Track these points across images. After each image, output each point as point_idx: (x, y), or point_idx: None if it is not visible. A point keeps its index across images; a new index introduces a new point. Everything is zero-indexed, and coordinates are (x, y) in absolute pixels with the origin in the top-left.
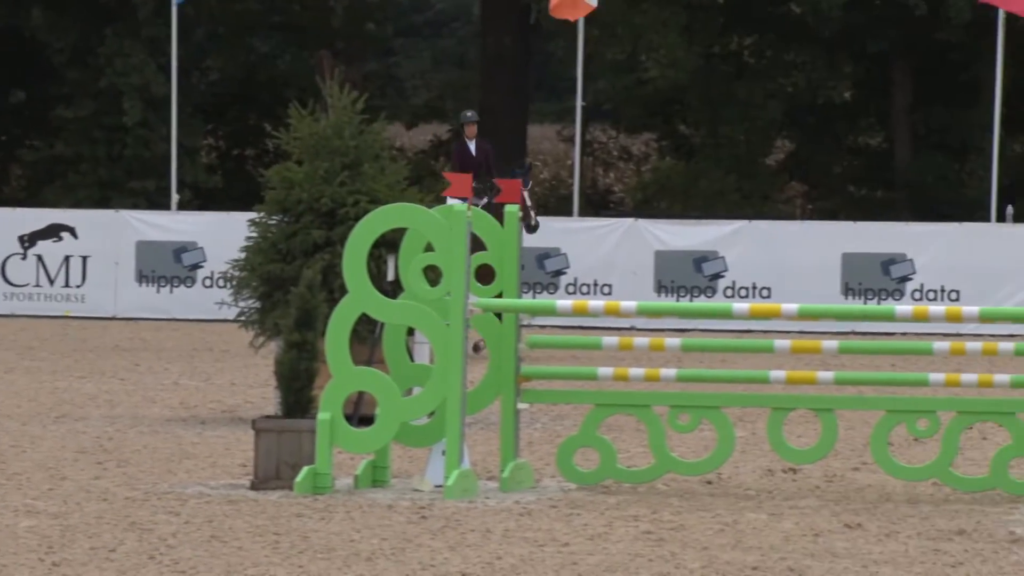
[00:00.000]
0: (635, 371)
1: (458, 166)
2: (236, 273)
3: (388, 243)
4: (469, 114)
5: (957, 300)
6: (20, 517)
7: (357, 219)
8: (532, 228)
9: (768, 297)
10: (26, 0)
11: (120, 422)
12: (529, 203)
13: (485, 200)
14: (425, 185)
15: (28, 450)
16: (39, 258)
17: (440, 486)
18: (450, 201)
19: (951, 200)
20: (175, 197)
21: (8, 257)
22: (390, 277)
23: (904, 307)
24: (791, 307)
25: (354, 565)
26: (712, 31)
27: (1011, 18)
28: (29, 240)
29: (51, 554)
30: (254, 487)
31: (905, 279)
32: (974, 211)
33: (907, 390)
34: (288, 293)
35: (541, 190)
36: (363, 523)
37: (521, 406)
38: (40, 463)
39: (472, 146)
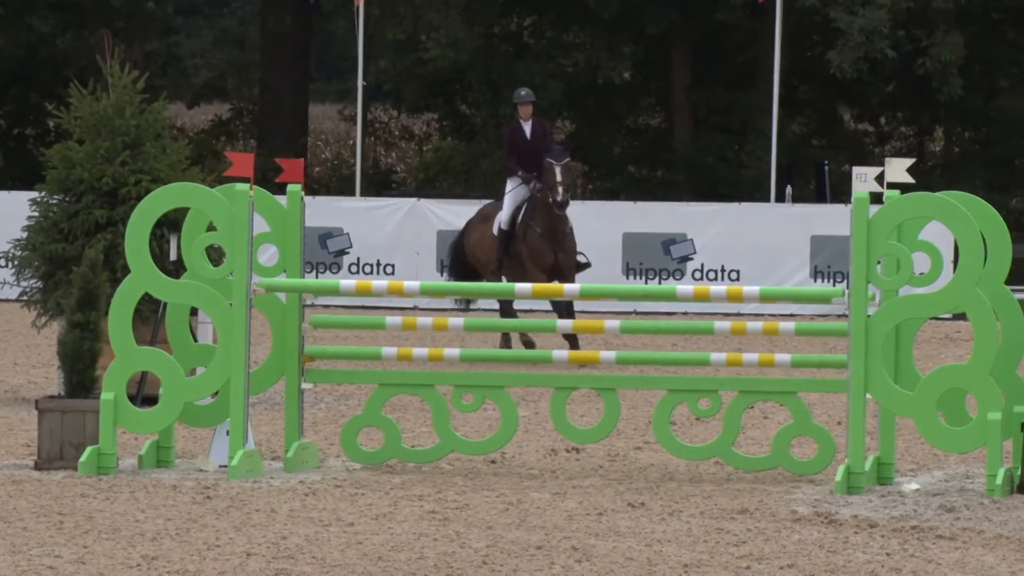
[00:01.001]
0: (419, 351)
1: (510, 150)
2: (18, 253)
3: (170, 223)
4: (523, 93)
5: (737, 280)
6: None
7: (139, 199)
8: (559, 205)
9: None
10: None
11: None
12: (559, 179)
13: (533, 185)
14: (207, 165)
15: None
16: None
17: (225, 466)
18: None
19: (731, 180)
20: None
21: None
22: (172, 257)
23: (685, 287)
24: (573, 287)
25: (139, 545)
26: (492, 11)
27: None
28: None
29: None
30: (38, 467)
31: (686, 259)
32: (753, 191)
33: (689, 369)
34: (70, 273)
35: (323, 170)
36: (148, 503)
37: (305, 386)
38: None
39: (527, 128)
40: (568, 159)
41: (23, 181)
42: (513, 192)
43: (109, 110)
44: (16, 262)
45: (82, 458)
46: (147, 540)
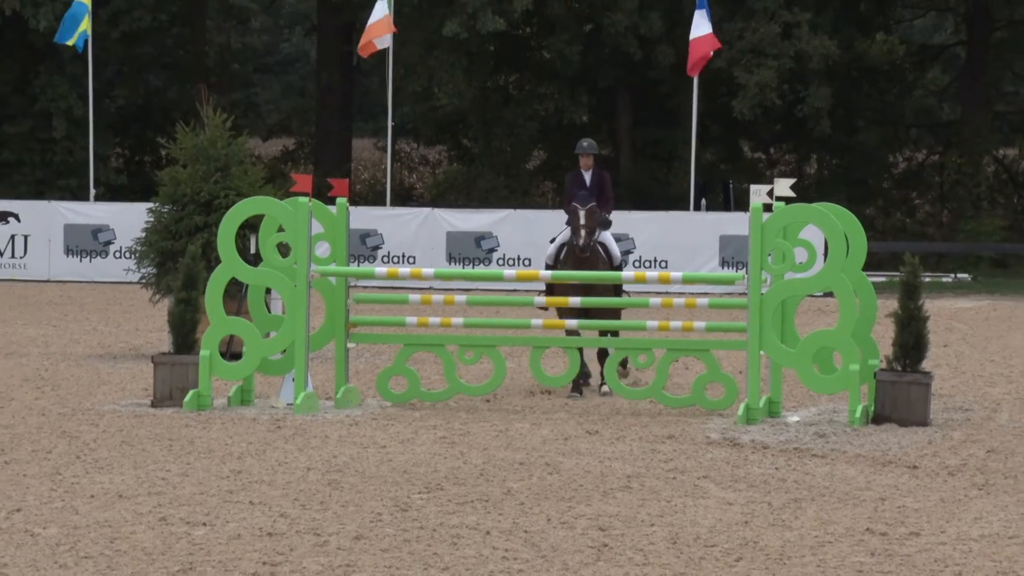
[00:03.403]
0: (433, 319)
1: (569, 195)
2: (138, 248)
3: (251, 226)
4: (585, 144)
5: (666, 267)
6: None
7: (227, 208)
8: (580, 248)
9: (529, 265)
10: None
11: (53, 358)
12: (583, 222)
13: (597, 233)
14: (277, 183)
15: None
16: None
17: (291, 404)
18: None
19: (661, 195)
20: (92, 191)
21: None
22: (252, 251)
23: (628, 273)
24: (547, 273)
25: (228, 462)
26: (486, 70)
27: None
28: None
29: (2, 455)
30: (153, 405)
31: (628, 252)
32: (677, 203)
33: (631, 333)
34: (177, 263)
35: (363, 187)
36: (234, 431)
37: (350, 345)
38: None
39: (587, 176)
40: (593, 203)
41: (142, 195)
42: (563, 232)
43: (205, 143)
44: (137, 255)
45: (186, 399)
46: (234, 458)
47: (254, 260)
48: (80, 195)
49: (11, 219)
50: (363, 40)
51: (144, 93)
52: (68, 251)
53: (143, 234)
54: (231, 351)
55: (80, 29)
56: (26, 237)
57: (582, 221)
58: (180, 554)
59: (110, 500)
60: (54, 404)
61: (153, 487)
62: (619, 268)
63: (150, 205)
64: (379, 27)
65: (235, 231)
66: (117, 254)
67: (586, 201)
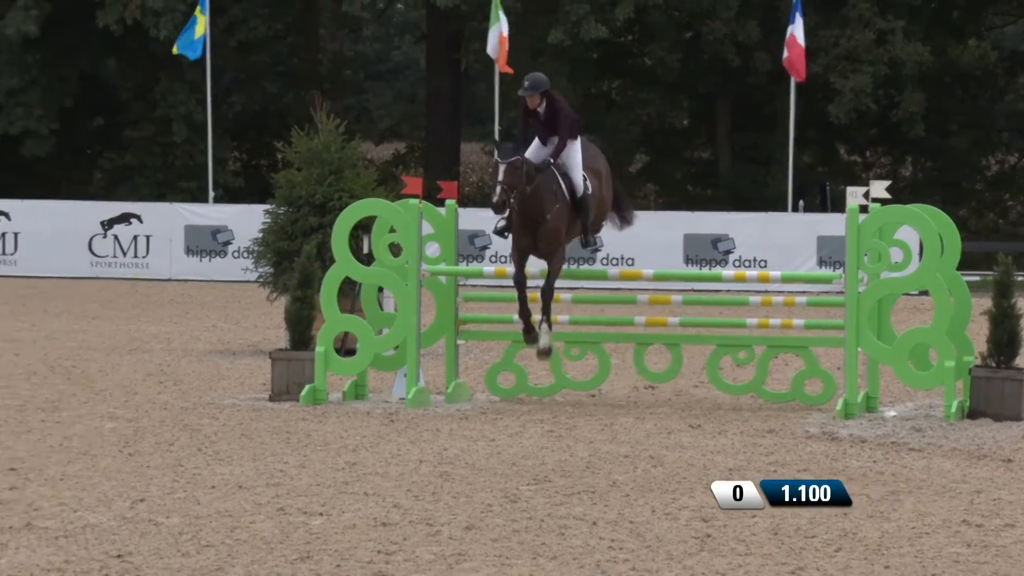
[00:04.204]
0: (539, 317)
1: (520, 135)
2: (256, 248)
3: (363, 226)
4: (526, 84)
5: (765, 266)
6: (104, 421)
7: (341, 210)
8: (494, 206)
9: (632, 264)
10: (103, 54)
11: (175, 354)
12: (500, 178)
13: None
14: (388, 186)
15: (110, 373)
16: (115, 237)
17: (403, 399)
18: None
19: (759, 197)
20: (211, 194)
21: (93, 236)
22: (365, 251)
23: (728, 271)
24: (649, 271)
25: (343, 454)
26: (589, 77)
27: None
28: (108, 224)
29: (127, 447)
30: (271, 399)
31: (728, 252)
32: (776, 204)
33: (731, 330)
34: (293, 262)
35: (471, 189)
36: (349, 425)
37: (459, 342)
38: (119, 382)
39: (542, 113)
40: (516, 157)
41: (259, 197)
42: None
43: (320, 147)
44: (255, 255)
45: (303, 393)
46: (348, 451)
47: (367, 260)
48: (200, 197)
49: (133, 220)
50: (501, 53)
51: (260, 99)
52: (188, 251)
53: (260, 235)
54: (345, 347)
55: (198, 35)
56: (148, 238)
57: (499, 177)
58: (298, 543)
59: (230, 491)
60: (176, 398)
61: (271, 478)
62: (584, 193)
63: (267, 207)
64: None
65: (348, 232)
66: (235, 254)
67: (509, 153)
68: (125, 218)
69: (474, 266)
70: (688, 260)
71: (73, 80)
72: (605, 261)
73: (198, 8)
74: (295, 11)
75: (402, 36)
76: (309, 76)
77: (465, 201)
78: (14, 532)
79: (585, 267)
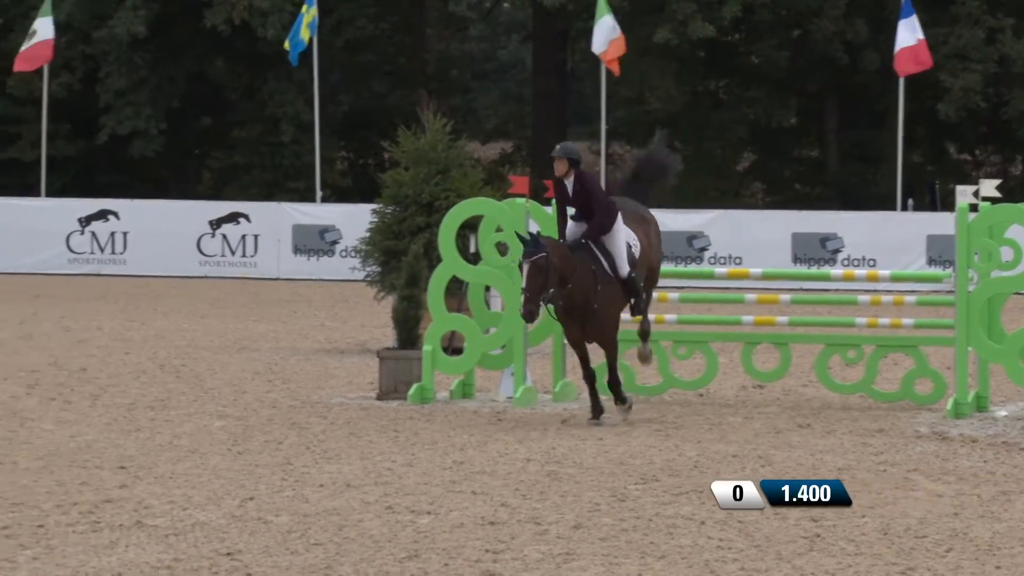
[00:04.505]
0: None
1: (560, 212)
2: (363, 247)
3: (470, 226)
4: (557, 148)
5: (874, 266)
6: (214, 419)
7: (448, 209)
8: (523, 317)
9: (740, 263)
10: (211, 53)
11: (283, 352)
12: (524, 284)
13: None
14: (495, 185)
15: (218, 372)
16: (224, 236)
17: (510, 397)
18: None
19: (867, 195)
20: (319, 193)
21: (202, 236)
22: (472, 250)
23: (837, 271)
24: (757, 270)
25: (451, 453)
26: (696, 75)
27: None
28: (216, 224)
29: (236, 445)
30: (379, 398)
31: (837, 251)
32: (884, 203)
33: (840, 330)
34: (400, 261)
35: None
36: (456, 424)
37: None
38: (227, 381)
39: (569, 185)
40: (541, 255)
41: (366, 197)
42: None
43: (426, 146)
44: (362, 254)
45: (410, 392)
46: (456, 449)
47: (474, 259)
48: (307, 196)
49: (242, 220)
50: (612, 51)
51: (368, 98)
52: (296, 250)
53: (367, 234)
54: (453, 346)
55: (304, 34)
56: (256, 237)
57: (523, 283)
58: (406, 542)
59: (338, 489)
60: (284, 397)
61: (379, 477)
62: (628, 275)
63: (374, 206)
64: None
65: (455, 231)
66: (343, 253)
67: (533, 252)
68: (233, 217)
69: None
70: (796, 259)
71: (181, 80)
72: (712, 260)
73: (304, 6)
74: (402, 10)
75: (508, 35)
76: (416, 75)
77: None
78: (124, 530)
79: (693, 266)
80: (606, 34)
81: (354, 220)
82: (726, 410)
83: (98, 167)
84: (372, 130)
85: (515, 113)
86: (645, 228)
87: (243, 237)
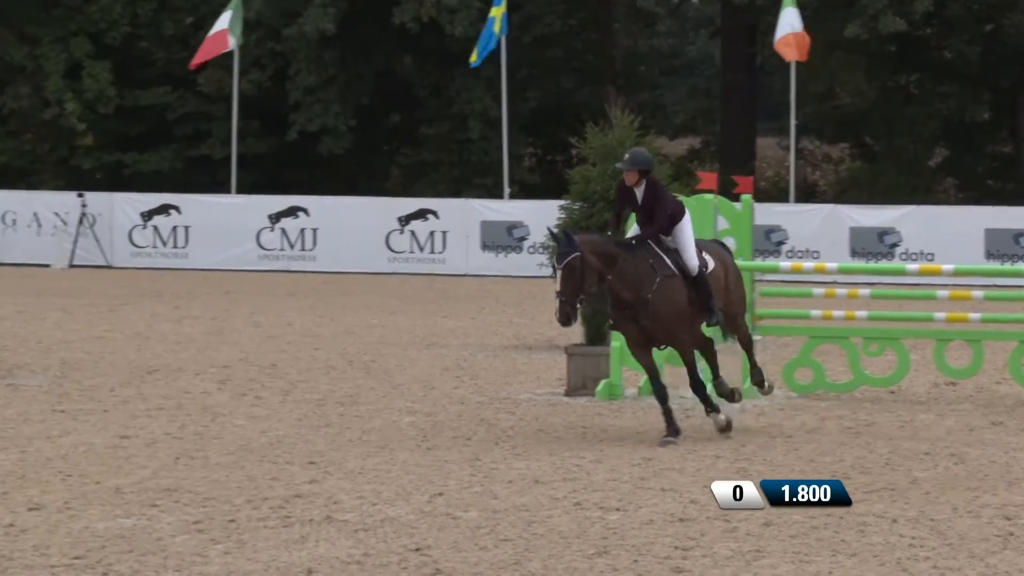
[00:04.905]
0: (837, 313)
1: (616, 215)
2: (551, 243)
3: None
4: (627, 157)
5: None
6: (403, 415)
7: None
8: (559, 321)
9: (932, 260)
10: (399, 51)
11: (471, 348)
12: (558, 287)
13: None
14: (683, 181)
15: (407, 368)
16: (412, 233)
17: None
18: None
19: None
20: (507, 190)
21: (390, 232)
22: None
23: None
24: (949, 267)
25: (639, 449)
26: (887, 70)
27: None
28: (405, 220)
29: (425, 441)
30: (567, 394)
31: None
32: None
33: None
34: None
35: (766, 184)
36: (645, 420)
37: (756, 337)
38: (416, 377)
39: (639, 193)
40: (574, 255)
41: (553, 193)
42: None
43: (614, 142)
44: (550, 250)
45: (598, 388)
46: (644, 446)
47: None
48: (495, 193)
49: (430, 216)
50: (794, 47)
51: (555, 95)
52: (484, 246)
53: (555, 230)
54: None
55: (496, 28)
56: (444, 233)
57: (557, 286)
58: (594, 538)
59: (527, 485)
60: (473, 393)
61: (568, 473)
62: (699, 270)
63: (562, 202)
64: (789, 40)
65: None
66: (531, 249)
67: (567, 252)
68: (422, 214)
69: (770, 261)
70: (989, 255)
71: (370, 77)
72: (904, 256)
73: (493, 7)
74: (590, 6)
75: (696, 31)
76: (603, 71)
77: (760, 196)
78: (314, 525)
79: (884, 263)
80: (786, 26)
81: (542, 216)
82: (918, 407)
83: (288, 164)
84: (560, 126)
85: (703, 109)
86: (723, 265)
87: (431, 233)
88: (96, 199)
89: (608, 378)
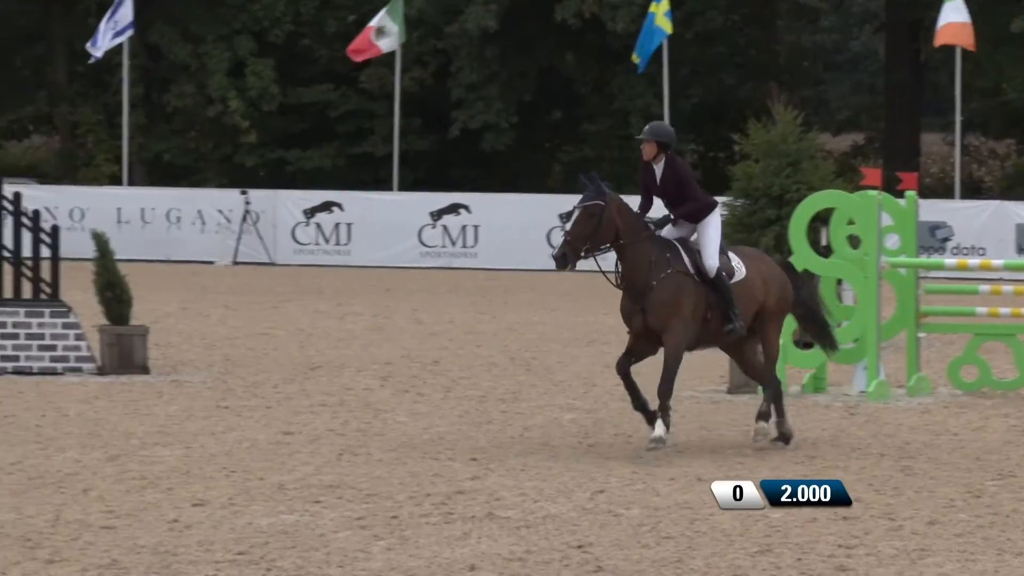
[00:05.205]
0: (1004, 310)
1: (644, 198)
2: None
3: (821, 219)
4: (646, 129)
5: None
6: (564, 412)
7: (798, 202)
8: (555, 261)
9: None
10: (561, 47)
11: None
12: (568, 226)
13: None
14: (847, 177)
15: (568, 365)
16: None
17: (863, 392)
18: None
19: None
20: None
21: (552, 229)
22: (823, 243)
23: None
24: (998, 262)
25: (803, 447)
26: None
27: None
28: (567, 217)
29: (586, 439)
30: (729, 392)
31: None
32: None
33: None
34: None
35: (931, 181)
36: (808, 418)
37: (921, 335)
38: (577, 374)
39: (658, 170)
40: (596, 201)
41: (716, 190)
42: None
43: (777, 139)
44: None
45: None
46: (808, 444)
47: (825, 252)
48: None
49: None
50: (956, 38)
51: (717, 91)
52: None
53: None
54: (803, 340)
55: (661, 23)
56: None
57: (568, 226)
58: (757, 536)
59: (689, 483)
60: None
61: (730, 471)
62: (716, 271)
63: (724, 199)
64: (953, 30)
65: (807, 224)
66: None
67: (592, 197)
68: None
69: (935, 258)
70: None
71: (532, 74)
72: None
73: (654, 4)
74: (753, 2)
75: (861, 26)
76: (766, 67)
77: (925, 192)
78: (476, 521)
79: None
80: (950, 15)
81: None
82: None
83: (449, 161)
84: (722, 123)
85: (867, 104)
86: (762, 279)
87: None
88: (259, 196)
89: None
